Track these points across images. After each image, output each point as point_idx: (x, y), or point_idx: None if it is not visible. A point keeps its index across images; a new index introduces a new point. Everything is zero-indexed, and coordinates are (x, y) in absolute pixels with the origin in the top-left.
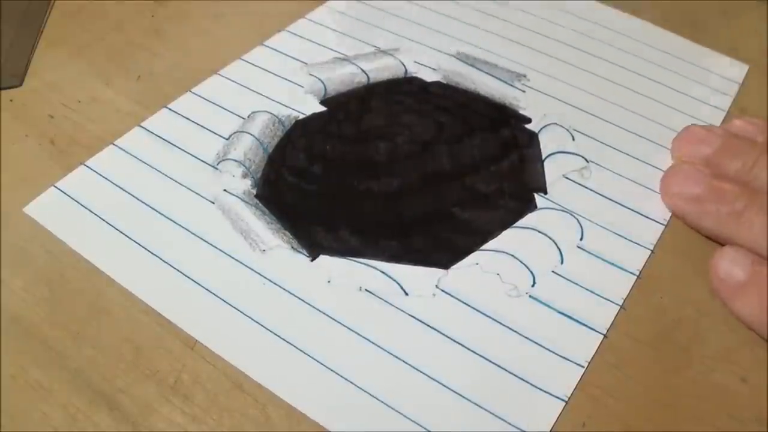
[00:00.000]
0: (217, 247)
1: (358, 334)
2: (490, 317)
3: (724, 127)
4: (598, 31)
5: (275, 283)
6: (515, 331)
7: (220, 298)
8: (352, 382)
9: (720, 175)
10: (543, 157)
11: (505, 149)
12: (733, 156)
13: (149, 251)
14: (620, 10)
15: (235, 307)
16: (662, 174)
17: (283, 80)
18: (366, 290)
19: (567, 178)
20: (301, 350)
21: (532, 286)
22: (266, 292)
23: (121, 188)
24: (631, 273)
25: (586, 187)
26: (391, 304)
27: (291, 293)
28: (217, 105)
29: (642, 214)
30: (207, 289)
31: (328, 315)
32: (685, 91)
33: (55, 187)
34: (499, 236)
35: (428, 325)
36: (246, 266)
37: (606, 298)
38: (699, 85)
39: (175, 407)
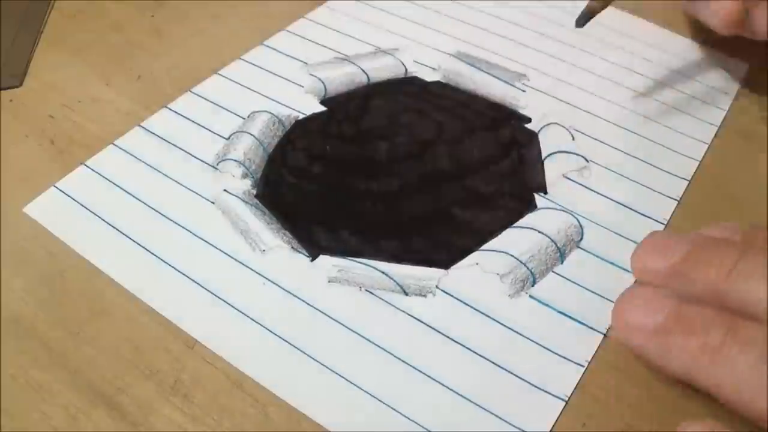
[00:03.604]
0: (217, 247)
1: (358, 334)
2: (490, 317)
3: (694, 232)
4: (598, 30)
5: (275, 283)
6: (515, 331)
7: (220, 298)
8: (352, 382)
9: (690, 294)
10: (543, 156)
11: (504, 149)
12: (705, 263)
13: (149, 251)
14: (620, 10)
15: (235, 307)
16: (617, 299)
17: (283, 80)
18: (366, 290)
19: (567, 177)
20: (301, 350)
21: (532, 286)
22: (266, 292)
23: (121, 188)
24: (631, 273)
25: (586, 187)
26: (391, 305)
27: (291, 293)
28: (217, 105)
29: (642, 214)
30: (207, 289)
31: (328, 315)
32: (685, 90)
33: (55, 187)
34: (499, 236)
35: (428, 325)
36: (246, 266)
37: (606, 298)
38: (699, 84)
39: (175, 407)
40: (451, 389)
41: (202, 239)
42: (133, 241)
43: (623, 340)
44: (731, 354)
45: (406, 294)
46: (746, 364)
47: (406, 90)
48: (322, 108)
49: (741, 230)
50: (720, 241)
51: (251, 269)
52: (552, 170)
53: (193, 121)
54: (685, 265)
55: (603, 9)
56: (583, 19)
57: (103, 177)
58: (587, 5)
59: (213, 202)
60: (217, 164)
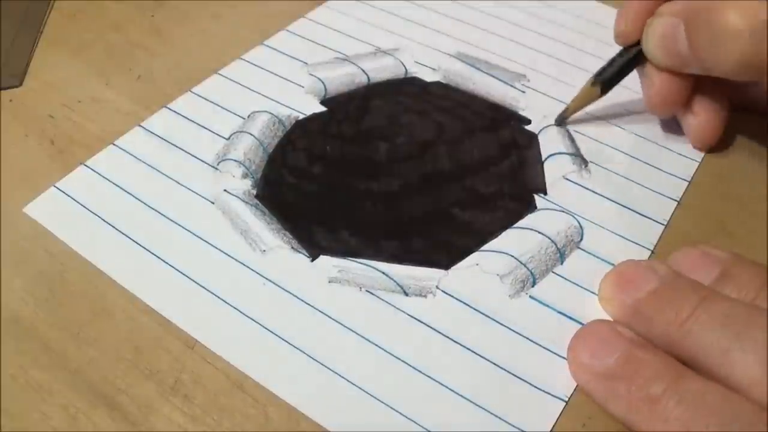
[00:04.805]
0: (217, 247)
1: (358, 334)
2: (490, 317)
3: (672, 261)
4: (598, 30)
5: (275, 284)
6: (515, 331)
7: (220, 298)
8: (352, 383)
9: (648, 335)
10: (543, 158)
11: (504, 150)
12: (666, 305)
13: (149, 251)
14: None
15: (235, 307)
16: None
17: (283, 80)
18: (366, 291)
19: (567, 179)
20: (301, 350)
21: (532, 286)
22: (266, 293)
23: (121, 188)
24: None
25: (586, 188)
26: (391, 305)
27: (291, 293)
28: (217, 105)
29: (642, 214)
30: (207, 289)
31: (328, 315)
32: None
33: (55, 187)
34: (499, 237)
35: (428, 326)
36: (246, 266)
37: None
38: None
39: (175, 407)
40: (451, 389)
41: (202, 239)
42: (133, 241)
43: (572, 376)
44: (668, 407)
45: (406, 294)
46: (678, 419)
47: (406, 90)
48: (322, 108)
49: (724, 259)
50: (686, 282)
51: (251, 269)
52: (552, 171)
53: (193, 121)
54: (648, 304)
55: (578, 110)
56: (560, 119)
57: (103, 177)
58: (566, 107)
59: (213, 202)
60: (217, 164)
